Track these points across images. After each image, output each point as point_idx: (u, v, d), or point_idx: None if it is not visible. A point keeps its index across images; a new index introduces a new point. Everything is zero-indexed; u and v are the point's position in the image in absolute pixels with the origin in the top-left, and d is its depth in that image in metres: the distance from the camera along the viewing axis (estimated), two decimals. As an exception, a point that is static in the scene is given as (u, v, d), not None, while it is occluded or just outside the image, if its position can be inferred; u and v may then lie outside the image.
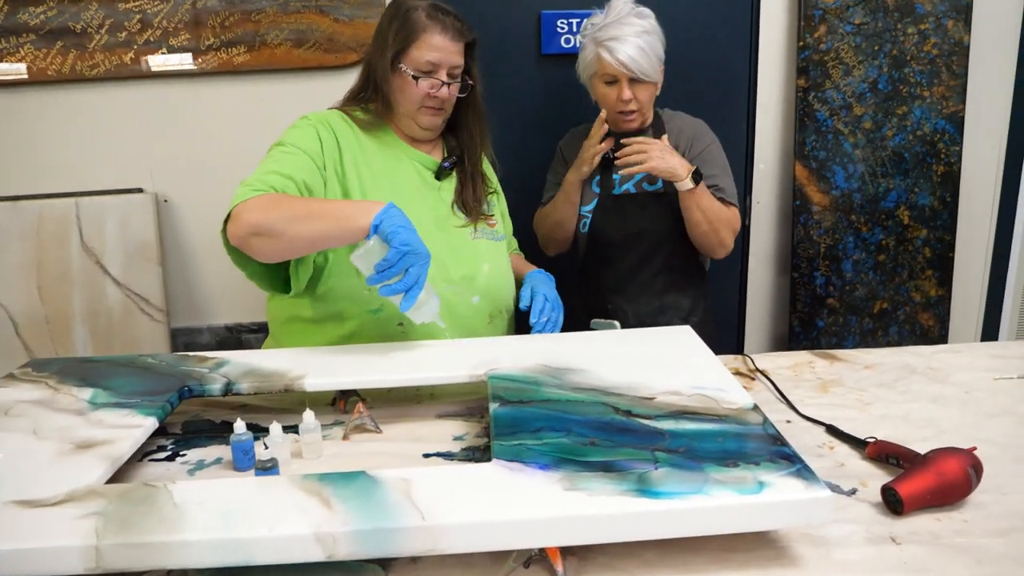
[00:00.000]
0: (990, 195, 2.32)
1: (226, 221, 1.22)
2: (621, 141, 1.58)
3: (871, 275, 2.25)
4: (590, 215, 1.70)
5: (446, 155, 1.49)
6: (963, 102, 2.15)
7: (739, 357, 1.42)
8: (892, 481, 0.89)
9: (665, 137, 1.59)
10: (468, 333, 1.42)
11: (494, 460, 0.87)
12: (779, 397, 1.23)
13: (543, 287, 1.46)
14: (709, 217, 1.58)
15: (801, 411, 1.17)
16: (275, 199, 1.22)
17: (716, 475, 0.81)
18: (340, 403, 1.24)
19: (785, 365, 1.37)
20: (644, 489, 0.79)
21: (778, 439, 0.89)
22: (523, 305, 1.45)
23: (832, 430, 1.10)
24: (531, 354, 1.21)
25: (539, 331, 1.40)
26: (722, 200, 1.61)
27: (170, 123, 2.14)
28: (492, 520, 0.76)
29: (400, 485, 0.83)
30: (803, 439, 1.09)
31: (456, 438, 1.12)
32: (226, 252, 1.28)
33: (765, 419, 0.95)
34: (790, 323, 2.28)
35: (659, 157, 1.52)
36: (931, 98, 2.15)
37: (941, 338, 2.29)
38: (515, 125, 2.15)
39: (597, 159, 1.64)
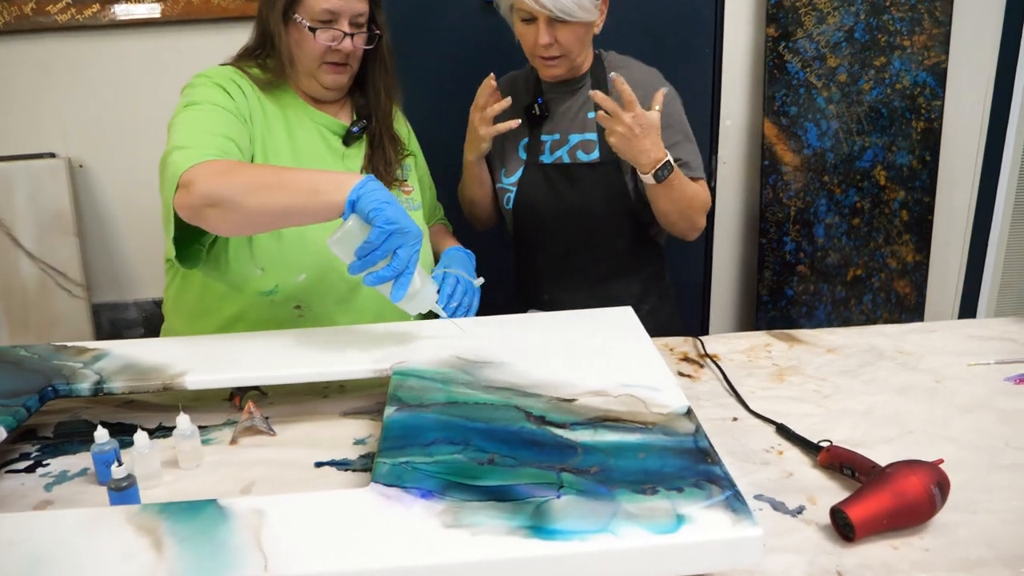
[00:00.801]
0: (973, 155, 2.18)
1: (176, 189, 1.07)
2: (592, 94, 1.26)
3: (844, 240, 2.11)
4: (515, 188, 1.45)
5: (355, 117, 1.32)
6: (946, 52, 1.99)
7: (689, 340, 1.28)
8: (843, 502, 0.76)
9: (637, 107, 1.25)
10: (377, 315, 1.27)
11: (371, 484, 0.73)
12: (728, 389, 1.09)
13: (457, 267, 1.31)
14: (679, 206, 1.35)
15: (751, 406, 1.04)
16: (229, 165, 1.07)
17: (629, 505, 0.67)
18: (236, 399, 1.10)
19: (739, 349, 1.24)
20: (539, 527, 0.65)
21: (708, 455, 0.76)
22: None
23: (783, 430, 0.96)
24: (449, 342, 1.07)
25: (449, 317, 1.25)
26: (690, 177, 1.40)
27: (81, 81, 1.95)
28: (347, 570, 0.63)
29: (251, 521, 0.69)
30: (749, 441, 0.96)
31: (357, 441, 0.98)
32: (163, 222, 1.13)
33: (698, 428, 0.81)
34: (757, 292, 2.14)
35: (625, 134, 1.24)
36: (912, 48, 1.99)
37: (918, 307, 2.16)
38: (455, 81, 1.96)
39: (488, 136, 1.36)
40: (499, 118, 1.36)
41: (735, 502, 0.68)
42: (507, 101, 1.35)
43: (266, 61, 1.25)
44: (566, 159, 1.42)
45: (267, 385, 1.11)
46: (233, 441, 1.00)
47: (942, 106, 2.03)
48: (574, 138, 1.42)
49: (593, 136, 1.40)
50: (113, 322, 2.08)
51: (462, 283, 1.27)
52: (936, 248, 2.17)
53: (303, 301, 1.23)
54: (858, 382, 1.10)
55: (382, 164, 1.29)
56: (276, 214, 1.04)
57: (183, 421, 0.93)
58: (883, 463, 0.83)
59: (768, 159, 2.05)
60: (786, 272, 2.11)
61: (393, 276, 0.98)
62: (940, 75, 2.01)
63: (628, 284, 1.49)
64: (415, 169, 1.41)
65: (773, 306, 2.12)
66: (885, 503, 0.75)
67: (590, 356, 1.01)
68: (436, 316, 1.11)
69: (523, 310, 1.51)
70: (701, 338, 1.27)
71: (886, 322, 2.17)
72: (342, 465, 0.93)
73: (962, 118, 2.12)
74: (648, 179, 1.30)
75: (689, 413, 0.84)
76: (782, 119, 2.01)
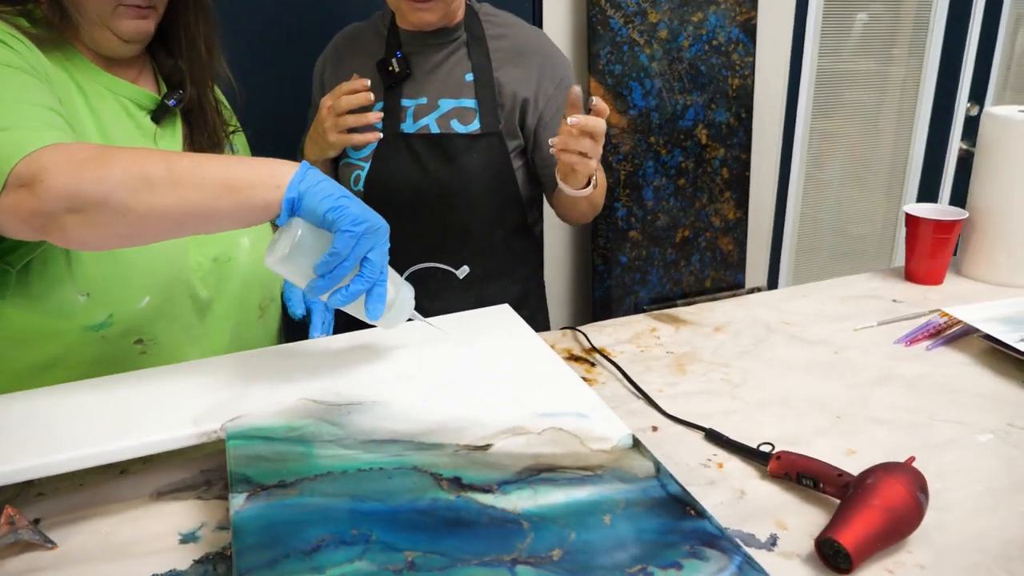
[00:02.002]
0: (779, 110, 2.23)
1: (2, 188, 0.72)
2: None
3: (672, 202, 2.07)
4: (366, 164, 1.17)
5: (160, 85, 0.99)
6: (755, 8, 1.98)
7: (568, 333, 1.12)
8: (830, 528, 0.64)
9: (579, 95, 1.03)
10: (234, 339, 1.01)
11: (238, 639, 0.48)
12: (634, 391, 0.95)
13: None
14: (596, 202, 1.18)
15: (665, 409, 0.90)
16: (94, 151, 0.72)
17: (624, 607, 0.49)
18: (-16, 497, 0.77)
19: (624, 338, 1.10)
20: (516, 672, 0.45)
21: (687, 503, 0.59)
22: (289, 301, 1.04)
23: (714, 436, 0.83)
24: (293, 379, 0.81)
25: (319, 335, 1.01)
26: None
27: None
28: None
29: None
30: (680, 454, 0.81)
31: (185, 538, 0.71)
32: None
33: (658, 465, 0.64)
34: (592, 261, 2.05)
35: (589, 156, 1.01)
36: (724, 4, 1.96)
37: (740, 262, 2.19)
38: (282, 32, 1.63)
39: (340, 146, 1.11)
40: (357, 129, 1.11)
41: (749, 571, 0.52)
42: (368, 95, 1.08)
43: (32, 9, 0.88)
44: (435, 128, 1.17)
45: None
46: (-11, 568, 0.68)
47: (753, 63, 2.04)
48: (446, 104, 1.17)
49: (471, 103, 1.16)
50: None
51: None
52: (753, 203, 2.20)
53: (146, 333, 0.92)
54: (761, 363, 1.01)
55: (208, 144, 0.99)
56: (173, 220, 0.73)
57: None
58: (831, 461, 0.73)
59: (594, 122, 1.94)
60: (619, 239, 2.03)
61: (367, 288, 0.74)
62: (751, 31, 2.01)
63: (505, 286, 1.26)
64: (243, 150, 1.10)
65: (608, 275, 2.04)
66: (876, 522, 0.64)
67: (484, 376, 0.81)
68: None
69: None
70: (580, 328, 1.11)
71: (714, 280, 2.17)
72: (171, 582, 0.65)
73: (769, 74, 2.16)
74: (581, 192, 1.09)
75: (637, 444, 0.67)
76: (608, 79, 1.91)
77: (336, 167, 1.23)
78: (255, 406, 0.76)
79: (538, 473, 0.63)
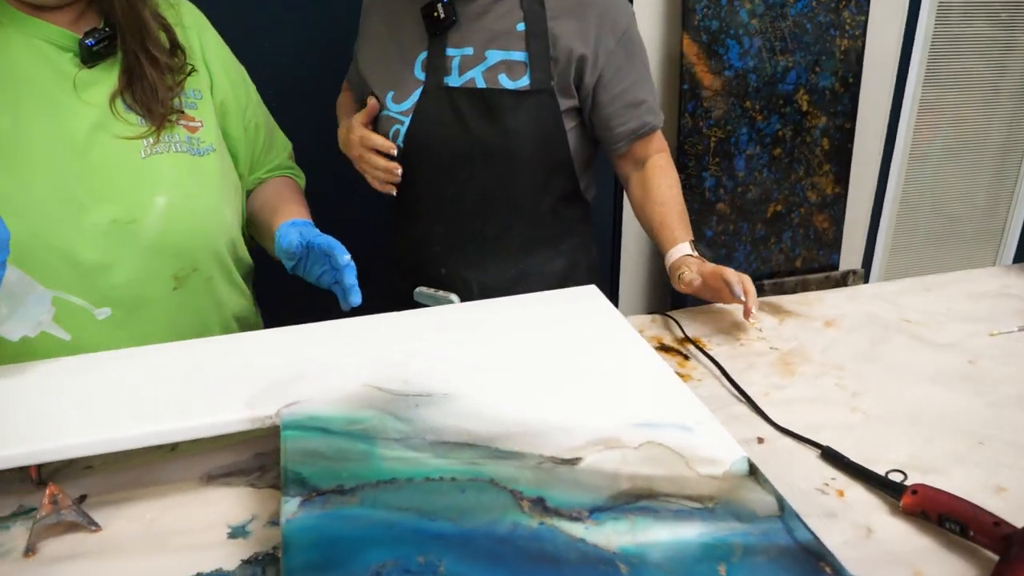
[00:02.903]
0: (889, 77, 2.03)
1: None
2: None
3: (765, 173, 1.91)
4: (407, 119, 1.07)
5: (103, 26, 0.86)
6: (874, -41, 1.79)
7: (657, 319, 1.01)
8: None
9: None
10: (135, 312, 0.88)
11: None
12: (735, 393, 0.84)
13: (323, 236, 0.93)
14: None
15: (773, 418, 0.78)
16: None
17: None
18: (31, 471, 0.71)
19: (721, 328, 0.98)
20: None
21: (820, 556, 0.49)
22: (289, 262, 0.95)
23: (831, 455, 0.72)
24: (356, 361, 0.73)
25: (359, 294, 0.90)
26: (650, 128, 1.09)
27: None
28: None
29: None
30: (792, 475, 0.70)
31: (234, 532, 0.64)
32: None
33: (781, 501, 0.54)
34: (675, 234, 1.91)
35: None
36: (840, -46, 1.77)
37: (835, 242, 2.03)
38: None
39: (362, 169, 1.10)
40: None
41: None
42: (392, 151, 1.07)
43: None
44: (481, 83, 1.06)
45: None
46: (30, 551, 0.63)
47: (866, 22, 1.85)
48: (493, 56, 1.06)
49: (521, 56, 1.05)
50: None
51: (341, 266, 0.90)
52: (854, 178, 2.02)
53: None
54: (881, 369, 0.88)
55: (145, 91, 0.86)
56: None
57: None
58: (969, 495, 0.62)
59: (687, 82, 1.79)
60: (705, 211, 1.89)
61: None
62: (867, -14, 1.81)
63: (550, 258, 1.15)
64: (212, 93, 0.95)
65: (692, 249, 1.90)
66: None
67: (569, 370, 0.71)
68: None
69: (407, 290, 1.13)
70: (672, 315, 1.00)
71: (805, 260, 2.02)
72: (213, 586, 0.59)
73: (883, 35, 1.95)
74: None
75: (754, 472, 0.57)
76: (702, 36, 1.75)
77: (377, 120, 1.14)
78: (315, 390, 0.68)
79: (636, 500, 0.53)
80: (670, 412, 0.64)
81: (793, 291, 1.67)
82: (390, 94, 1.09)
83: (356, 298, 0.88)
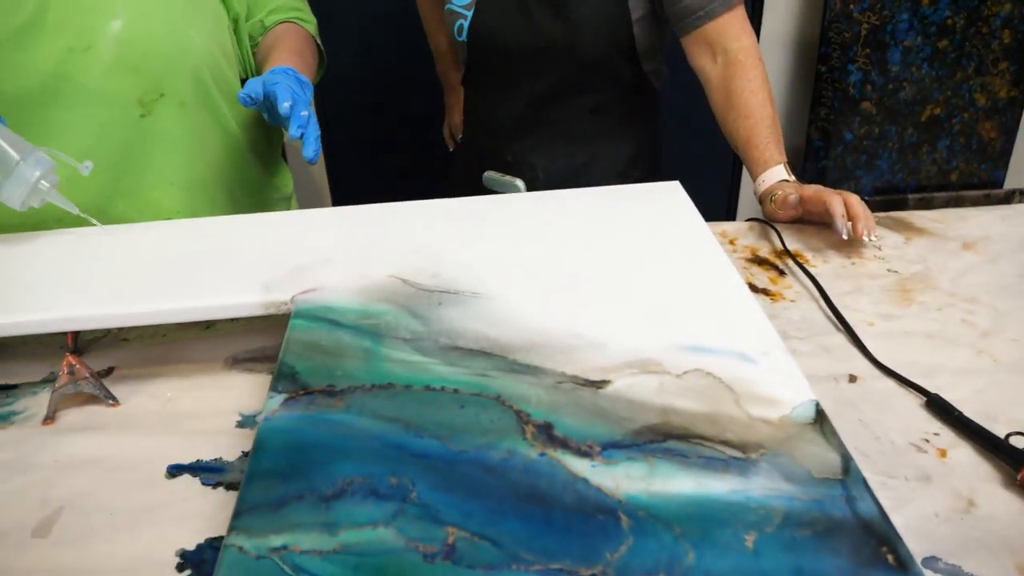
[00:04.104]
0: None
1: None
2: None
3: (925, 68, 1.64)
4: (470, 12, 1.02)
5: None
6: None
7: (755, 226, 0.88)
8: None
9: None
10: (102, 141, 0.84)
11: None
12: (833, 319, 0.70)
13: (284, 82, 0.82)
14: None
15: (874, 352, 0.65)
16: None
17: None
18: (69, 337, 0.70)
19: (828, 241, 0.84)
20: None
21: (884, 539, 0.38)
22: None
23: (938, 405, 0.59)
24: (390, 248, 0.66)
25: (315, 149, 0.80)
26: (724, 5, 0.92)
27: None
28: None
29: None
30: (884, 422, 0.58)
31: (243, 421, 0.60)
32: None
33: (846, 461, 0.43)
34: (808, 135, 1.71)
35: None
36: None
37: (1002, 155, 1.74)
38: None
39: None
40: None
41: None
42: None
43: None
44: None
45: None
46: (49, 418, 0.62)
47: None
48: None
49: None
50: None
51: (300, 95, 0.81)
52: (1037, 80, 1.71)
53: None
54: (1026, 304, 0.72)
55: None
56: None
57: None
58: None
59: (839, -44, 1.54)
60: (847, 110, 1.66)
61: None
62: None
63: (616, 145, 1.09)
64: None
65: (826, 154, 1.69)
66: None
67: (622, 277, 0.61)
68: None
69: (478, 174, 1.10)
70: (774, 223, 0.86)
71: (962, 174, 1.75)
72: (209, 474, 0.55)
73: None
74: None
75: (821, 420, 0.46)
76: (866, -103, 1.48)
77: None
78: (336, 277, 0.62)
79: (663, 439, 0.44)
80: (731, 337, 0.53)
81: (943, 209, 1.45)
82: None
83: (306, 151, 0.79)
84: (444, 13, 1.06)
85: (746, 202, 1.85)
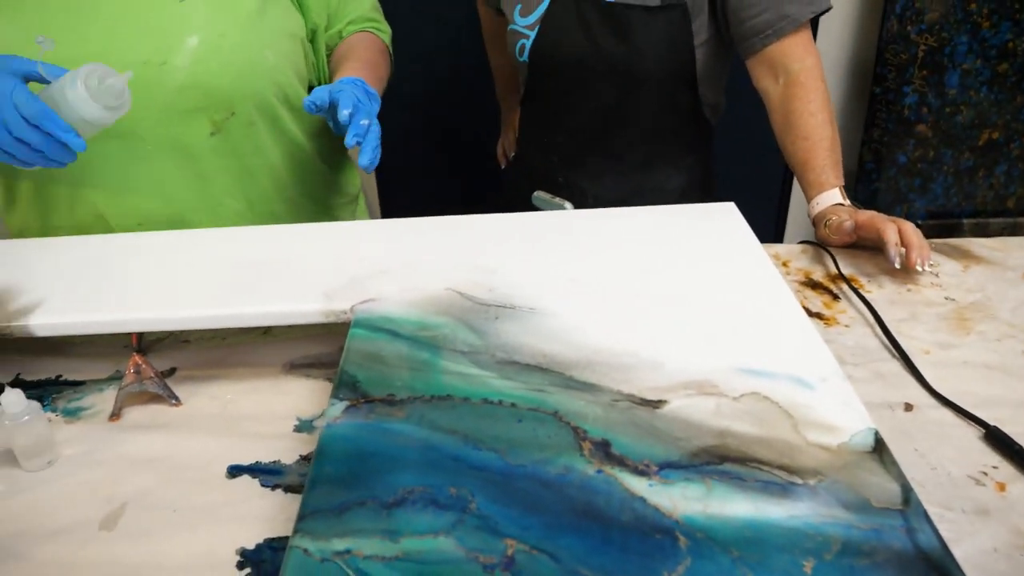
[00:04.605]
0: None
1: None
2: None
3: (983, 92, 1.61)
4: (532, 32, 1.02)
5: None
6: None
7: (808, 249, 0.87)
8: None
9: None
10: (175, 159, 0.86)
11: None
12: (888, 346, 0.70)
13: (349, 91, 0.83)
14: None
15: (931, 382, 0.65)
16: None
17: None
18: (133, 337, 0.73)
19: (883, 267, 0.83)
20: None
21: (944, 569, 0.38)
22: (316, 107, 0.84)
23: (997, 438, 0.58)
24: (447, 260, 0.67)
25: (371, 159, 0.81)
26: (792, 23, 0.90)
27: None
28: None
29: None
30: (940, 453, 0.57)
31: (300, 426, 0.62)
32: None
33: (907, 492, 0.42)
34: (860, 157, 1.69)
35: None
36: None
37: (1063, 182, 1.70)
38: None
39: None
40: None
41: None
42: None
43: None
44: None
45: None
46: (115, 415, 0.64)
47: None
48: None
49: None
50: None
51: (364, 104, 0.82)
52: (1102, 105, 1.67)
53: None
54: (1090, 339, 0.70)
55: None
56: None
57: (12, 398, 0.57)
58: None
59: (898, -23, 1.52)
60: (901, 132, 1.63)
61: None
62: None
63: (669, 174, 1.08)
64: None
65: (878, 176, 1.67)
66: None
67: (680, 298, 0.61)
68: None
69: (527, 192, 1.10)
70: (831, 249, 0.86)
71: (1020, 201, 1.71)
72: (268, 476, 0.57)
73: None
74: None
75: (880, 448, 0.46)
76: (925, -83, 1.46)
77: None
78: (394, 288, 0.63)
79: (720, 461, 0.44)
80: (788, 361, 0.53)
81: (999, 236, 1.42)
82: (517, 7, 1.04)
83: (361, 158, 0.79)
84: (507, 33, 1.06)
85: (793, 225, 1.83)
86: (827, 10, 0.92)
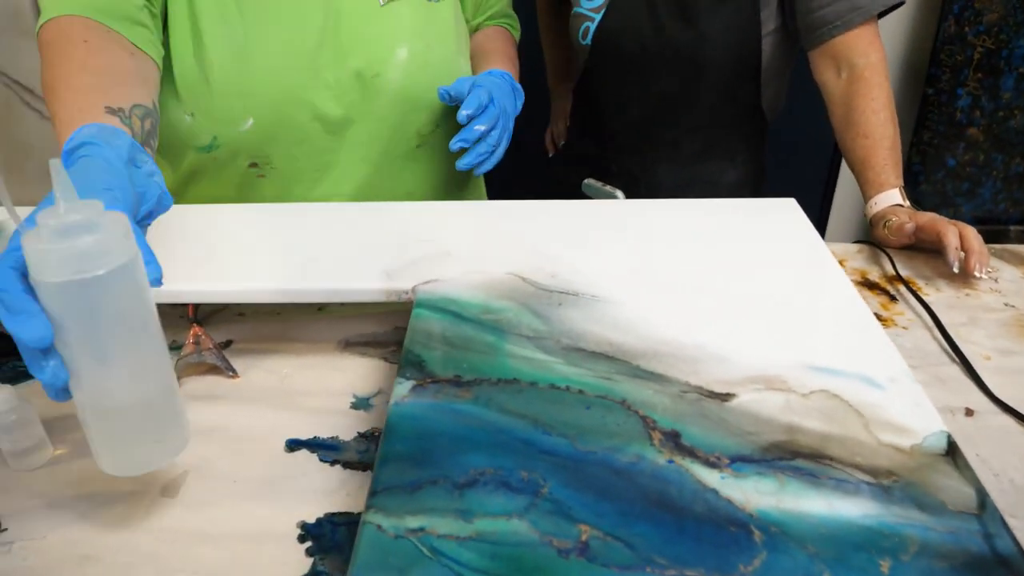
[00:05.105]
0: None
1: None
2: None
3: (1039, 97, 1.58)
4: (598, 15, 1.02)
5: None
6: None
7: (864, 249, 0.86)
8: None
9: None
10: (380, 169, 0.86)
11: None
12: (948, 350, 0.69)
13: (487, 87, 0.83)
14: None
15: (992, 387, 0.64)
16: (53, 38, 0.69)
17: None
18: (189, 308, 0.74)
19: (940, 271, 0.81)
20: None
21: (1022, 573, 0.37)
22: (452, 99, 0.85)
23: (1063, 449, 0.57)
24: (507, 245, 0.67)
25: (469, 162, 0.82)
26: (864, 15, 0.89)
27: None
28: None
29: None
30: (1001, 459, 0.57)
31: (357, 403, 0.62)
32: None
33: (982, 496, 0.42)
34: (908, 158, 1.66)
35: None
36: None
37: (1116, 191, 1.66)
38: None
39: None
40: None
41: None
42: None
43: None
44: None
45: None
46: (173, 384, 0.65)
47: None
48: None
49: None
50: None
51: (496, 106, 0.82)
52: None
53: (259, 157, 0.84)
54: None
55: None
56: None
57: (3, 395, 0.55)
58: None
59: (958, -24, 1.49)
60: (952, 135, 1.61)
61: None
62: None
63: (724, 168, 1.08)
64: None
65: (925, 178, 1.64)
66: None
67: (744, 291, 0.61)
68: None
69: (576, 180, 1.09)
70: (887, 250, 0.85)
71: (1070, 208, 1.68)
72: (328, 449, 0.58)
73: None
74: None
75: (953, 451, 0.45)
76: (990, -84, 1.43)
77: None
78: (456, 270, 0.64)
79: (792, 457, 0.44)
80: (858, 360, 0.52)
81: (1047, 243, 1.39)
82: None
83: (459, 161, 0.80)
84: (571, 17, 1.06)
85: (835, 223, 1.81)
86: (899, 4, 0.91)
